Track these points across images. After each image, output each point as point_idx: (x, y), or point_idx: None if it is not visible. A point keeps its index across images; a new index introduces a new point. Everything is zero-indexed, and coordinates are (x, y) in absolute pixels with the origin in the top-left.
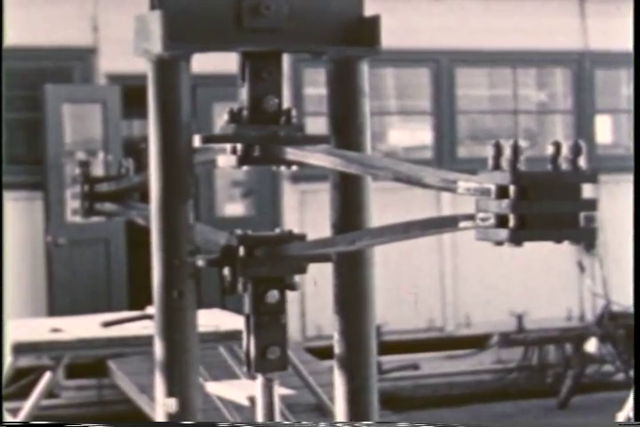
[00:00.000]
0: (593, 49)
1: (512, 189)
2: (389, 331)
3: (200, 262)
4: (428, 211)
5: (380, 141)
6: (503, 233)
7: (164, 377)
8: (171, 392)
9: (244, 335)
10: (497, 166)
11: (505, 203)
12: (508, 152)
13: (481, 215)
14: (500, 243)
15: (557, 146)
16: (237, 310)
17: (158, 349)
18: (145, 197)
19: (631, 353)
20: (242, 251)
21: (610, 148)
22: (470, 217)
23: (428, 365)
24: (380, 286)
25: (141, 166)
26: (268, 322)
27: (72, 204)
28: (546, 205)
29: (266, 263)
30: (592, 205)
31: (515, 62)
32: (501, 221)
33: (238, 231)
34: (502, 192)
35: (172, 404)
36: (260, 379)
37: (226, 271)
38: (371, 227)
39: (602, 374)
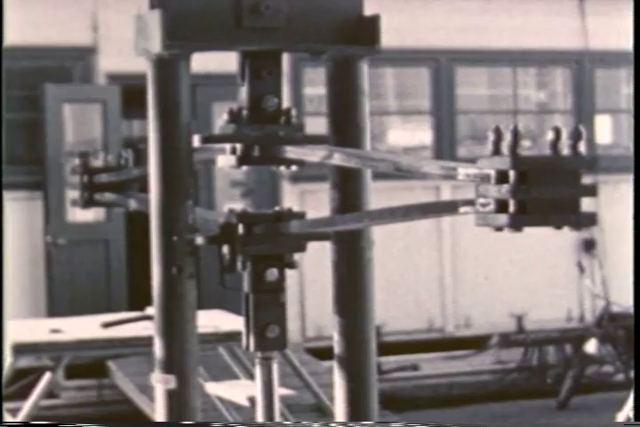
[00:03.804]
0: (593, 49)
1: (512, 174)
2: (389, 331)
3: (199, 240)
4: None
5: (380, 141)
6: (503, 218)
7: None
8: (170, 392)
9: (243, 314)
10: (497, 152)
11: (505, 188)
12: (508, 137)
13: (481, 201)
14: (499, 228)
15: (557, 131)
16: (237, 310)
17: (158, 349)
18: (145, 189)
19: (631, 354)
20: (241, 229)
21: (609, 148)
22: (470, 202)
23: (427, 365)
24: (379, 287)
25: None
26: (268, 300)
27: (71, 194)
28: (546, 190)
29: (265, 241)
30: (592, 190)
31: (514, 62)
32: (501, 207)
33: (237, 209)
34: (502, 177)
35: (170, 380)
36: (258, 357)
37: (225, 249)
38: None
39: (601, 375)
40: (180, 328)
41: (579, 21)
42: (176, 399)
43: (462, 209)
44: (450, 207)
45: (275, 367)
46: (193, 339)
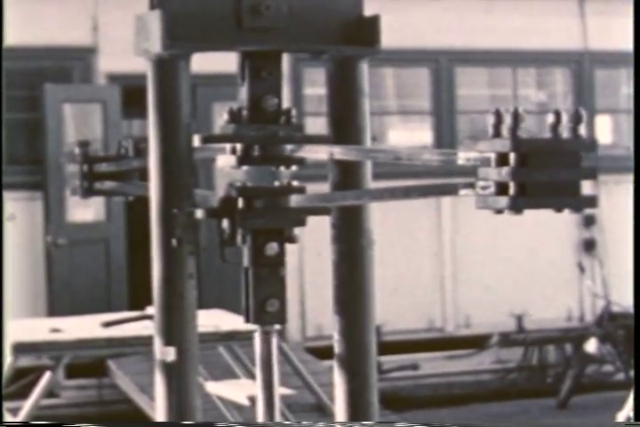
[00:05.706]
0: (593, 49)
1: (512, 156)
2: (389, 331)
3: (199, 214)
4: (429, 212)
5: (380, 141)
6: (503, 201)
7: (164, 377)
8: (170, 392)
9: (243, 288)
10: (497, 134)
11: (505, 170)
12: (508, 120)
13: (481, 183)
14: (499, 211)
15: (558, 114)
16: (237, 310)
17: (158, 349)
18: (144, 178)
19: (631, 353)
20: (241, 202)
21: (610, 148)
22: (470, 185)
23: (427, 365)
24: (379, 286)
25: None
26: (267, 274)
27: (72, 183)
28: (546, 173)
29: (265, 215)
30: (592, 173)
31: (514, 62)
32: (501, 189)
33: (237, 183)
34: (502, 160)
35: (170, 352)
36: (258, 331)
37: (225, 223)
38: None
39: (602, 375)
40: (180, 328)
41: (578, 22)
42: (176, 399)
43: (462, 191)
44: (450, 189)
45: (274, 342)
46: (193, 339)
